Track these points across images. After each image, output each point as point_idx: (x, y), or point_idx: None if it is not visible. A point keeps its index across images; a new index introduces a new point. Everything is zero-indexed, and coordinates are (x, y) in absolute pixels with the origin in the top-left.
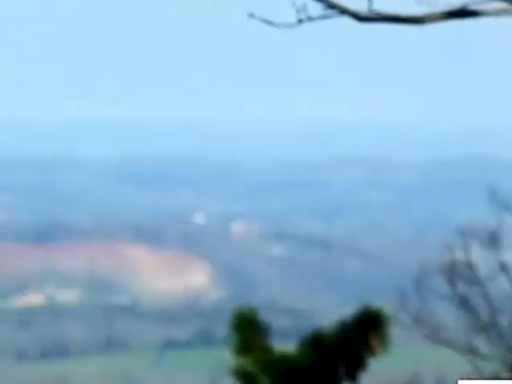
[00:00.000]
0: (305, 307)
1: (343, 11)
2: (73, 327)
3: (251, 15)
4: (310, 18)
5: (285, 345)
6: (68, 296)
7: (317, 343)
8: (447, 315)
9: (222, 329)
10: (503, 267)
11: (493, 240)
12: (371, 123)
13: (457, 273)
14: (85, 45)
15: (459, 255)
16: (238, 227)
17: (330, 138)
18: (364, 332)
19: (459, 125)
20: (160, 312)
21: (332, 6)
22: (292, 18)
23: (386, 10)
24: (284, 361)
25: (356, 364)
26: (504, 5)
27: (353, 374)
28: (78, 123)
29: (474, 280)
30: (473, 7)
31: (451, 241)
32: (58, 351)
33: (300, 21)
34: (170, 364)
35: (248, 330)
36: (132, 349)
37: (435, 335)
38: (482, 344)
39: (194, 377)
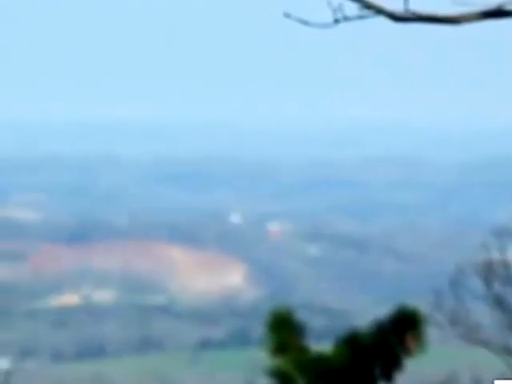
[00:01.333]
0: (340, 307)
1: (379, 11)
2: (109, 327)
3: (287, 15)
4: (346, 18)
5: (320, 345)
6: (104, 296)
7: (353, 343)
8: (483, 315)
9: (258, 329)
10: None
11: None
12: (407, 123)
13: (493, 273)
14: (121, 44)
15: (495, 255)
16: (273, 227)
17: (366, 138)
18: (400, 332)
19: (495, 124)
20: (196, 312)
21: (368, 6)
22: (328, 18)
23: (421, 10)
24: (320, 361)
25: (392, 364)
26: None
27: (388, 374)
28: (116, 123)
29: (510, 280)
30: (509, 7)
31: (487, 241)
32: (93, 351)
33: (336, 21)
34: (206, 364)
35: (284, 329)
36: (168, 349)
37: (471, 335)
38: None
39: (230, 377)
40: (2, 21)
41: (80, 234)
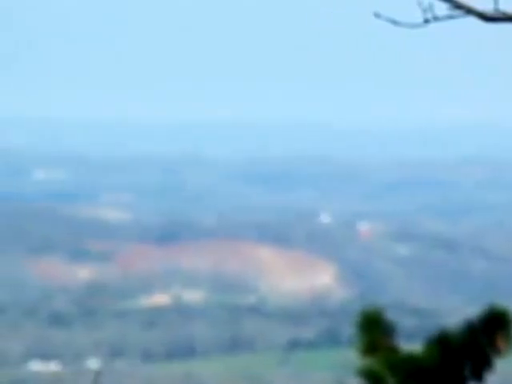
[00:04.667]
0: (430, 307)
1: (469, 11)
2: (198, 327)
3: (377, 15)
4: (436, 18)
5: (410, 345)
6: (194, 296)
7: (443, 343)
8: None
9: (348, 329)
10: None
11: None
12: (497, 123)
13: None
14: (212, 44)
15: None
16: (363, 227)
17: (456, 138)
18: (490, 332)
19: None
20: (285, 312)
21: (458, 6)
22: (418, 18)
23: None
24: (410, 361)
25: (482, 364)
26: None
27: (479, 374)
28: (204, 123)
29: None
30: None
31: None
32: (183, 351)
33: (426, 21)
34: (296, 364)
35: (374, 329)
36: (257, 349)
37: None
38: None
39: (320, 377)
40: (112, 22)
41: (169, 234)
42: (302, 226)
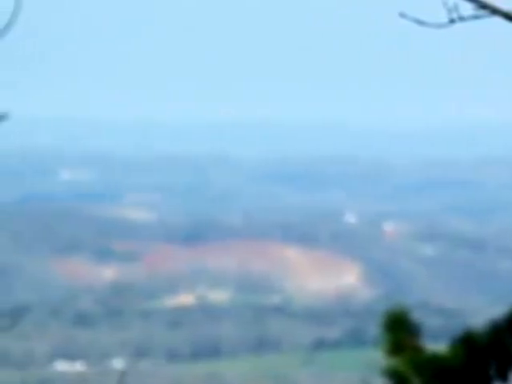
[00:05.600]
0: (456, 307)
1: (494, 11)
2: (224, 327)
3: (403, 15)
4: (462, 18)
5: (436, 345)
6: (219, 296)
7: (468, 343)
8: None
9: (373, 329)
10: None
11: None
12: None
13: None
14: (239, 46)
15: None
16: (388, 227)
17: (482, 138)
18: None
19: None
20: (311, 312)
21: (484, 6)
22: (443, 17)
23: None
24: (435, 361)
25: (507, 364)
26: None
27: (504, 374)
28: (231, 123)
29: None
30: None
31: None
32: (208, 351)
33: (451, 21)
34: (321, 364)
35: (399, 329)
36: (283, 349)
37: None
38: None
39: (345, 377)
40: (140, 22)
41: (194, 234)
42: (328, 226)
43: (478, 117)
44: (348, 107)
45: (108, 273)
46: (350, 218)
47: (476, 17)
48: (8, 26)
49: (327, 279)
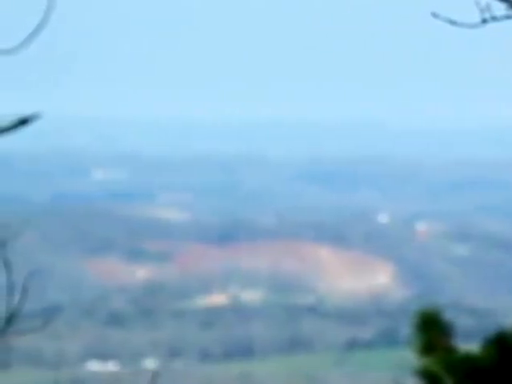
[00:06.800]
0: (488, 307)
1: None
2: (256, 327)
3: (435, 15)
4: (494, 18)
5: (468, 345)
6: (252, 296)
7: (500, 343)
8: None
9: (406, 329)
10: None
11: None
12: None
13: None
14: (273, 46)
15: None
16: (421, 227)
17: None
18: None
19: None
20: (344, 312)
21: None
22: (476, 17)
23: None
24: (467, 361)
25: None
26: None
27: None
28: (264, 123)
29: None
30: None
31: None
32: (241, 351)
33: (484, 21)
34: (354, 364)
35: (432, 329)
36: (315, 349)
37: None
38: None
39: (378, 377)
40: (173, 21)
41: (227, 234)
42: (361, 226)
43: None
44: (383, 107)
45: (140, 273)
46: (383, 218)
47: (508, 16)
48: (41, 25)
49: (360, 279)
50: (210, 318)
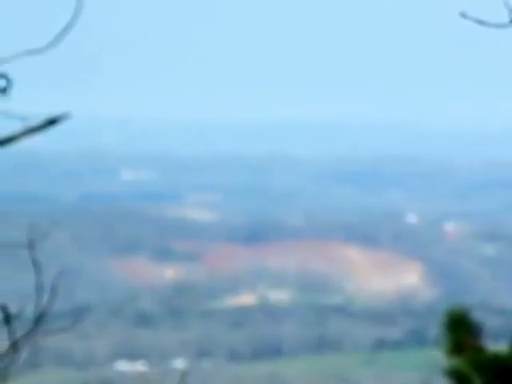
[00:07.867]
0: None
1: None
2: (285, 327)
3: (464, 15)
4: None
5: (497, 345)
6: (280, 296)
7: None
8: None
9: (434, 329)
10: None
11: None
12: None
13: None
14: (302, 46)
15: None
16: (450, 227)
17: None
18: None
19: None
20: (372, 312)
21: None
22: (504, 18)
23: None
24: (496, 361)
25: None
26: None
27: None
28: (292, 123)
29: None
30: None
31: None
32: (269, 351)
33: None
34: (382, 364)
35: (460, 329)
36: (344, 349)
37: None
38: None
39: (407, 377)
40: (203, 22)
41: (255, 234)
42: (389, 226)
43: None
44: (409, 107)
45: (169, 273)
46: (412, 218)
47: None
48: (69, 25)
49: (388, 279)
50: (239, 317)
